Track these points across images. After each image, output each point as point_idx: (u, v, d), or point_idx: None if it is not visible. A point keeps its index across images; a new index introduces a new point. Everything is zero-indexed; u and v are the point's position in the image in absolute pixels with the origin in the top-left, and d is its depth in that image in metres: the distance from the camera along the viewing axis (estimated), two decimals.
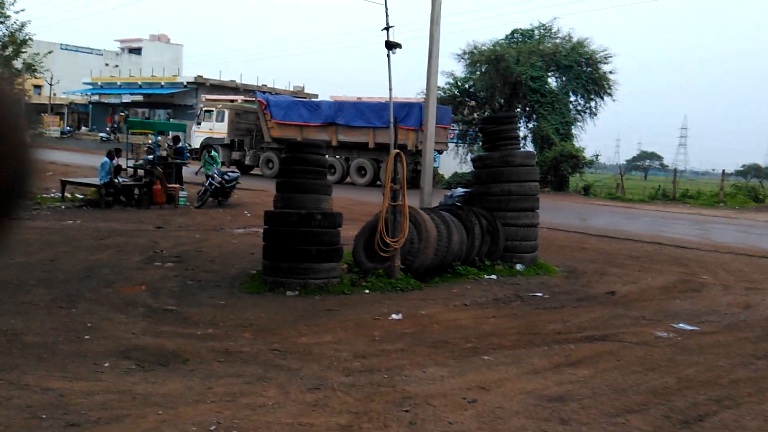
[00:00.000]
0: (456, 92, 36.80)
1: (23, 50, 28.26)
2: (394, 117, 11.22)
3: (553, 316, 8.59)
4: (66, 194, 19.84)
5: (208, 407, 5.07)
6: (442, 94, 34.90)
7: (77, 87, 66.73)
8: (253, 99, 34.55)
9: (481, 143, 19.79)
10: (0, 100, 0.85)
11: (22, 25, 27.54)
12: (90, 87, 65.40)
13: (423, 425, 4.90)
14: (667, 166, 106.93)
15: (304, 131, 31.03)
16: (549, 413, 5.18)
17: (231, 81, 57.64)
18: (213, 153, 21.97)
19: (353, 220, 14.68)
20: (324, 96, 55.62)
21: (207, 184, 19.59)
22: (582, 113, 36.44)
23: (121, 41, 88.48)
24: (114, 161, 18.68)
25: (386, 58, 11.02)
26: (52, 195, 20.03)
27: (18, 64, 29.77)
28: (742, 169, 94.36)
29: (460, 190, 13.38)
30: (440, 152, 31.04)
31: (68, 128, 62.37)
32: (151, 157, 21.87)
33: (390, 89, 11.22)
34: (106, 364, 6.02)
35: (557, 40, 36.64)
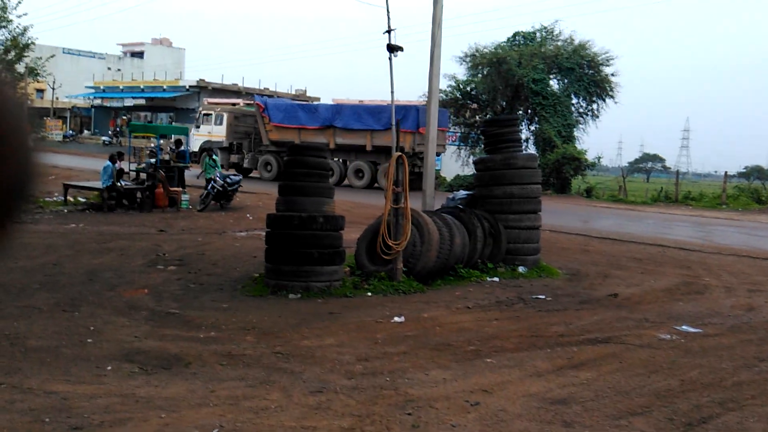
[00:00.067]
0: (458, 95, 36.79)
1: (26, 54, 28.29)
2: (396, 120, 11.22)
3: (556, 318, 8.58)
4: (68, 198, 19.88)
5: (211, 410, 5.07)
6: (444, 96, 34.88)
7: (80, 91, 66.82)
8: (254, 103, 34.60)
9: (483, 146, 19.82)
10: (2, 103, 0.85)
11: (25, 30, 27.58)
12: (92, 91, 65.50)
13: (426, 428, 4.90)
14: (670, 168, 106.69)
15: (302, 134, 31.09)
16: (552, 416, 5.17)
17: (233, 84, 57.70)
18: (214, 156, 21.98)
19: (355, 222, 14.69)
20: (326, 99, 55.64)
21: (209, 188, 19.60)
22: (584, 115, 36.41)
23: (124, 45, 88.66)
24: (116, 165, 18.70)
25: (388, 61, 11.03)
26: (55, 198, 20.06)
27: (20, 68, 29.82)
28: (744, 170, 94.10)
29: (462, 193, 13.38)
30: (438, 154, 31.03)
31: (71, 132, 62.43)
32: (153, 160, 21.89)
33: (392, 92, 11.23)
34: (109, 368, 6.02)
35: (559, 43, 36.62)
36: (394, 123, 11.19)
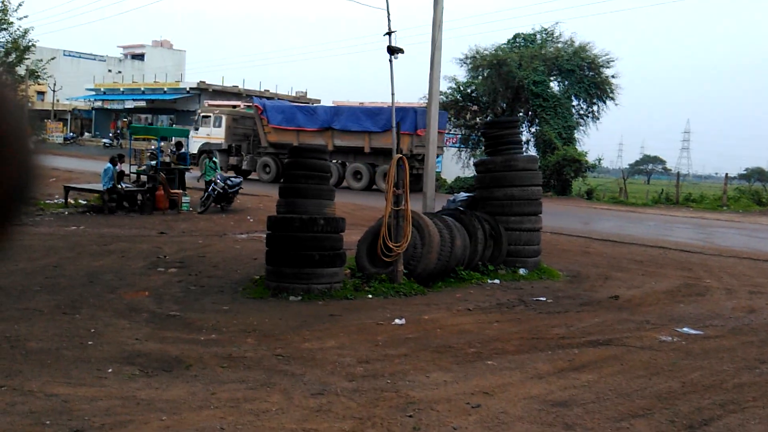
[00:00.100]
0: (458, 97, 36.79)
1: (26, 57, 28.30)
2: (397, 122, 11.22)
3: (557, 320, 8.58)
4: (69, 200, 19.88)
5: (212, 413, 5.06)
6: (445, 98, 34.88)
7: (80, 93, 66.85)
8: (253, 105, 34.66)
9: (483, 148, 19.82)
10: (3, 106, 0.85)
11: (26, 32, 27.59)
12: (93, 93, 65.51)
13: (427, 430, 4.89)
14: (670, 169, 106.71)
15: (301, 136, 31.16)
16: (553, 418, 5.17)
17: (233, 86, 57.71)
18: (214, 159, 21.98)
19: (356, 224, 14.69)
20: (327, 101, 55.66)
21: (210, 190, 19.61)
22: (584, 117, 36.41)
23: (124, 47, 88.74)
24: (117, 167, 18.71)
25: (388, 63, 11.04)
26: (56, 201, 20.07)
27: (21, 70, 29.84)
28: (745, 172, 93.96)
29: (462, 195, 13.39)
30: (437, 156, 31.02)
31: (71, 134, 62.47)
32: (154, 162, 21.90)
33: (392, 94, 11.22)
34: (110, 370, 6.02)
35: (559, 45, 36.63)
36: (394, 125, 11.19)
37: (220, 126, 34.24)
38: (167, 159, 23.70)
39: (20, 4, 28.25)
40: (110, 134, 58.75)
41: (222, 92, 55.56)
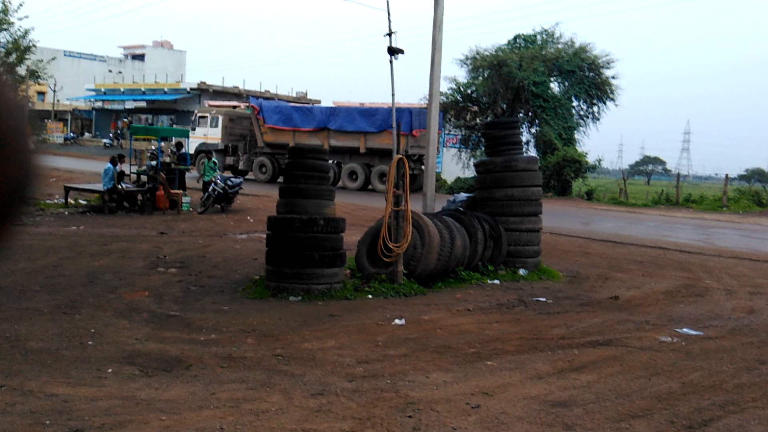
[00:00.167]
0: (458, 97, 36.79)
1: (27, 57, 28.30)
2: (397, 123, 11.22)
3: (557, 321, 8.58)
4: (69, 200, 19.89)
5: (212, 413, 5.07)
6: (445, 99, 34.90)
7: (81, 93, 66.90)
8: (249, 105, 34.73)
9: (483, 148, 19.81)
10: (3, 106, 0.85)
11: (26, 32, 27.59)
12: (93, 93, 65.56)
13: (426, 431, 4.89)
14: (670, 170, 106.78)
15: (297, 136, 31.27)
16: (553, 418, 5.17)
17: (234, 87, 57.76)
18: (214, 159, 21.98)
19: (356, 225, 14.70)
20: (327, 101, 55.67)
21: (210, 190, 19.61)
22: (584, 118, 36.42)
23: (125, 47, 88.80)
24: (117, 167, 18.72)
25: (389, 63, 11.04)
26: (56, 201, 20.08)
27: (22, 70, 29.85)
28: (745, 173, 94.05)
29: (462, 195, 13.38)
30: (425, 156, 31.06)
31: (72, 134, 62.50)
32: (154, 163, 21.91)
33: (392, 95, 11.24)
34: (110, 370, 6.02)
35: (560, 45, 36.62)
36: (395, 126, 11.20)
37: (216, 126, 34.32)
38: (167, 159, 23.70)
39: (21, 5, 28.21)
40: (110, 134, 58.78)
41: (222, 93, 55.61)
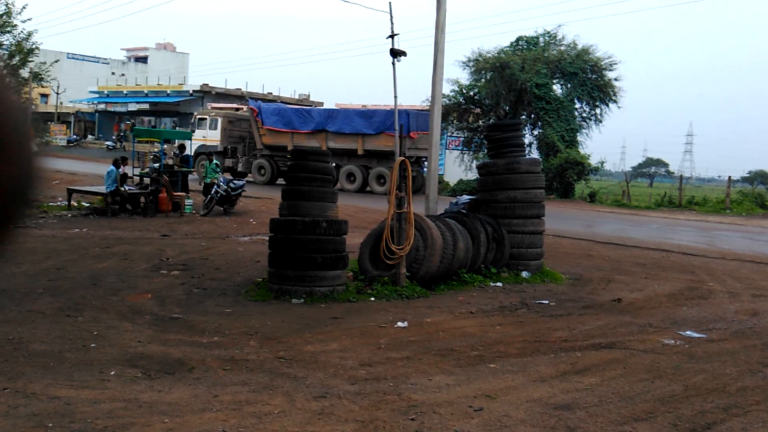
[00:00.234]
0: (461, 99, 36.78)
1: (30, 59, 28.34)
2: (400, 125, 11.22)
3: (560, 323, 8.57)
4: (72, 203, 19.91)
5: (214, 415, 5.07)
6: (447, 101, 34.90)
7: (84, 96, 67.02)
8: (248, 107, 34.82)
9: (486, 150, 19.81)
10: (6, 108, 0.85)
11: (29, 35, 27.61)
12: (96, 96, 65.70)
13: None
14: (673, 172, 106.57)
15: (295, 138, 31.38)
16: (556, 421, 5.16)
17: (236, 89, 57.83)
18: (216, 161, 22.00)
19: (358, 227, 14.70)
20: (329, 103, 55.70)
21: (213, 192, 19.62)
22: (587, 120, 36.36)
23: (128, 50, 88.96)
24: (120, 169, 18.73)
25: (391, 65, 11.04)
26: (59, 203, 20.10)
27: (25, 73, 29.90)
28: (748, 175, 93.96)
29: (465, 198, 13.38)
30: (427, 159, 31.16)
31: (75, 137, 62.64)
32: (157, 165, 21.94)
33: (395, 97, 11.23)
34: (113, 373, 6.02)
35: (562, 47, 36.59)
36: (397, 128, 11.19)
37: (216, 128, 34.43)
38: (170, 161, 23.72)
39: (24, 7, 28.31)
40: (113, 137, 58.89)
41: (225, 95, 55.69)
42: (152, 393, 5.53)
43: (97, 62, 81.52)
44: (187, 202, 19.88)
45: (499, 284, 11.00)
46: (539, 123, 35.57)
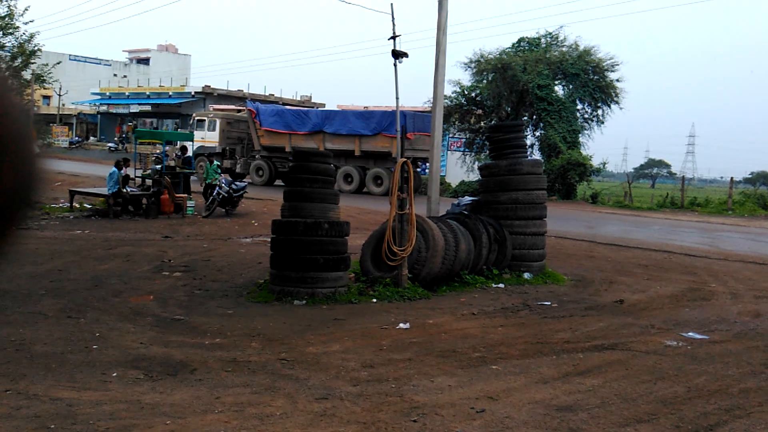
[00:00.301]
0: (463, 100, 36.78)
1: (32, 61, 28.40)
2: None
3: (562, 325, 8.56)
4: (74, 204, 19.93)
5: (216, 417, 5.06)
6: (449, 102, 34.91)
7: (86, 97, 67.12)
8: (246, 108, 34.91)
9: (488, 152, 19.80)
10: (8, 110, 0.85)
11: (31, 36, 27.66)
12: (98, 97, 65.78)
13: None
14: (675, 173, 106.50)
15: (293, 139, 31.48)
16: (558, 423, 5.15)
17: (238, 90, 57.86)
18: (217, 162, 22.02)
19: (360, 228, 14.70)
20: (331, 105, 55.79)
21: (215, 194, 19.64)
22: (589, 121, 36.35)
23: (130, 51, 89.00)
24: (122, 171, 18.76)
25: (393, 67, 11.05)
26: (61, 205, 20.13)
27: (27, 74, 29.96)
28: (750, 176, 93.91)
29: (467, 199, 13.37)
30: (425, 160, 31.22)
31: (77, 138, 62.72)
32: (159, 166, 21.97)
33: (397, 98, 11.24)
34: (115, 374, 6.03)
35: (564, 49, 36.59)
36: (399, 129, 11.19)
37: (214, 129, 34.53)
38: (172, 163, 23.75)
39: (26, 9, 28.34)
40: (115, 138, 58.97)
41: (227, 96, 55.71)
42: (154, 394, 5.53)
43: (99, 64, 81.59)
44: (189, 203, 19.90)
45: (501, 285, 10.99)
46: (541, 124, 35.56)
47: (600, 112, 36.06)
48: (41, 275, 10.42)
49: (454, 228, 10.92)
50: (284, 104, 49.23)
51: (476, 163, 35.20)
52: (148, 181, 20.82)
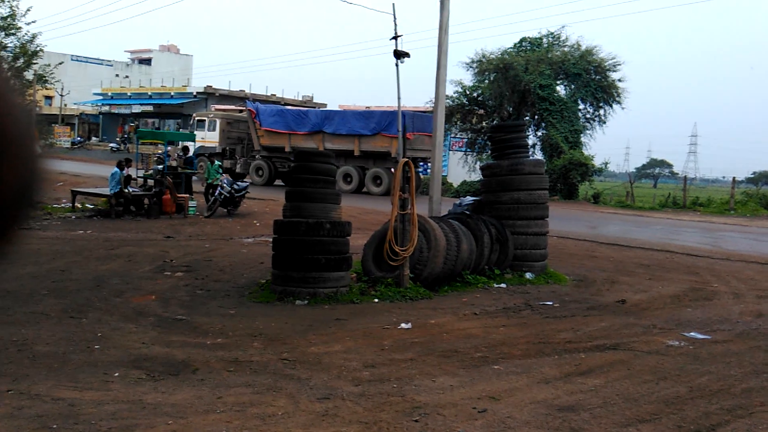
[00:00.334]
0: (465, 101, 36.77)
1: (34, 61, 28.42)
2: (403, 126, 11.22)
3: (564, 325, 8.55)
4: (76, 204, 19.96)
5: (218, 417, 5.07)
6: (451, 102, 34.90)
7: (88, 98, 67.18)
8: (246, 108, 34.98)
9: (489, 151, 19.80)
10: (10, 110, 0.85)
11: (33, 37, 27.68)
12: (100, 97, 65.84)
13: None
14: (677, 173, 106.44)
15: (293, 139, 31.55)
16: (560, 423, 5.15)
17: (240, 91, 57.89)
18: (218, 162, 22.05)
19: (361, 229, 14.70)
20: (333, 105, 55.80)
21: (217, 194, 19.65)
22: (591, 121, 36.34)
23: (132, 52, 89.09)
24: (124, 171, 18.77)
25: (395, 67, 11.04)
26: (63, 205, 20.15)
27: (29, 75, 29.98)
28: (752, 176, 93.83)
29: (468, 199, 13.36)
30: (425, 160, 31.28)
31: (79, 139, 62.76)
32: (161, 167, 21.98)
33: (398, 98, 11.23)
34: (117, 374, 6.03)
35: (566, 49, 36.58)
36: (401, 129, 11.18)
37: (214, 130, 34.60)
38: (174, 163, 23.77)
39: (28, 9, 28.35)
40: (117, 138, 59.03)
41: (228, 96, 55.75)
42: (156, 394, 5.54)
43: (101, 64, 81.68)
44: (191, 203, 19.91)
45: (503, 285, 10.99)
46: (543, 124, 35.55)
47: (602, 112, 36.08)
48: (43, 275, 10.43)
49: (456, 228, 10.92)
50: (286, 104, 49.33)
51: (478, 163, 35.19)
52: (150, 182, 20.83)
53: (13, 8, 26.59)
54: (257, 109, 33.19)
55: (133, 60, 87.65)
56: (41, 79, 31.25)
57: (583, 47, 35.90)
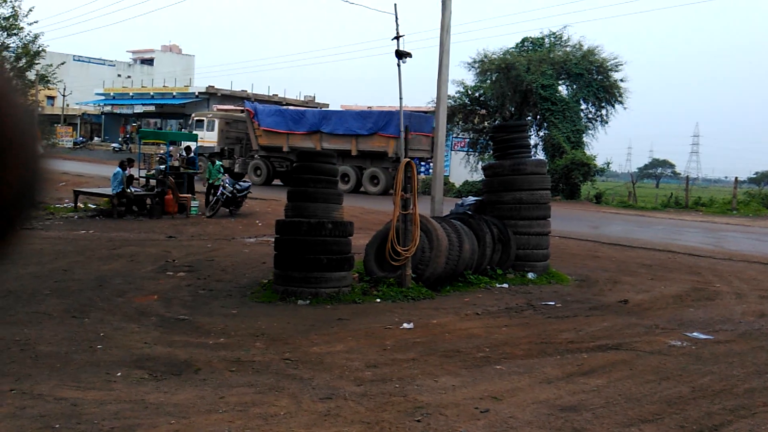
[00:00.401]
0: (466, 100, 36.76)
1: (36, 61, 28.49)
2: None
3: (566, 325, 8.55)
4: (79, 204, 19.98)
5: (220, 417, 5.07)
6: (453, 102, 34.89)
7: (90, 98, 67.24)
8: (244, 108, 35.04)
9: (491, 151, 19.79)
10: (12, 110, 0.85)
11: (36, 37, 27.77)
12: (102, 98, 65.89)
13: None
14: (680, 173, 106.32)
15: (291, 139, 31.65)
16: (562, 423, 5.14)
17: (242, 91, 57.91)
18: (219, 162, 22.05)
19: (363, 228, 14.70)
20: (335, 105, 55.77)
21: (219, 194, 19.66)
22: (593, 121, 36.31)
23: (134, 52, 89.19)
24: (126, 171, 18.79)
25: (396, 67, 11.05)
26: (65, 205, 20.17)
27: (31, 75, 30.03)
28: (755, 176, 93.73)
29: (470, 199, 13.36)
30: (424, 161, 31.31)
31: (81, 139, 62.84)
32: (163, 167, 21.99)
33: (400, 98, 11.24)
34: (119, 374, 6.04)
35: (568, 48, 36.56)
36: (402, 129, 11.18)
37: (213, 130, 34.66)
38: (176, 163, 23.78)
39: (31, 10, 28.42)
40: (119, 138, 59.11)
41: (230, 96, 55.77)
42: (158, 394, 5.54)
43: (103, 64, 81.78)
44: (193, 203, 19.93)
45: (505, 285, 10.98)
46: (545, 124, 35.53)
47: (604, 111, 36.05)
48: (45, 275, 10.44)
49: (458, 228, 10.92)
50: (288, 104, 49.37)
51: (480, 163, 35.17)
52: (152, 182, 20.85)
53: (16, 9, 26.66)
54: (255, 109, 33.28)
55: (135, 60, 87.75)
56: (43, 79, 31.32)
57: (585, 47, 35.90)
